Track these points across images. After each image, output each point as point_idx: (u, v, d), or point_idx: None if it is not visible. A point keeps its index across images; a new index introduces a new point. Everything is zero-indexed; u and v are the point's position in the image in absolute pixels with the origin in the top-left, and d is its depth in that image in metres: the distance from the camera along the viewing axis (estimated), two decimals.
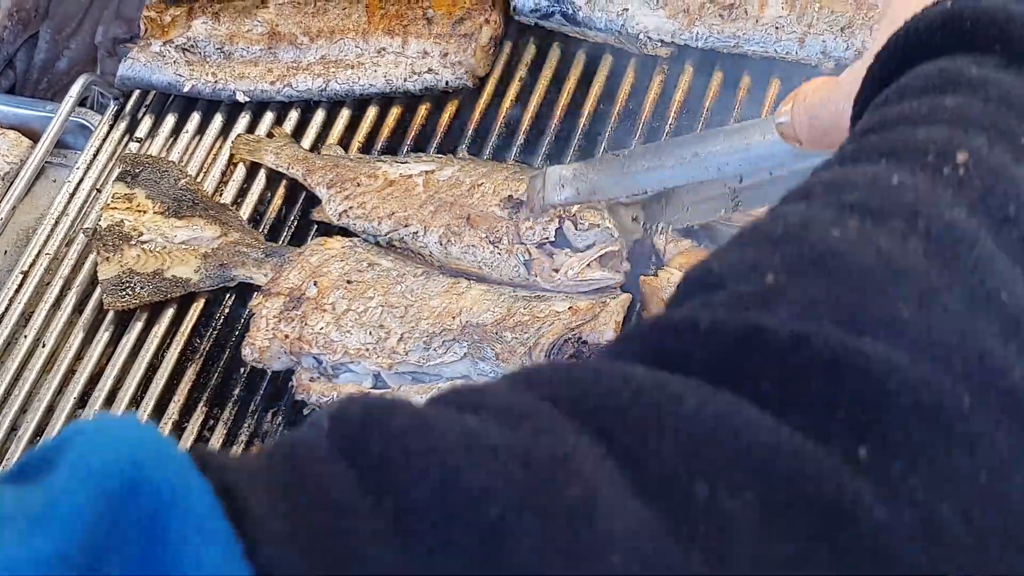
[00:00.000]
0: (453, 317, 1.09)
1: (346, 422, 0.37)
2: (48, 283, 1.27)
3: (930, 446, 0.36)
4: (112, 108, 1.38)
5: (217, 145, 1.33)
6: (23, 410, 1.19)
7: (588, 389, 0.38)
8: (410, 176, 1.19)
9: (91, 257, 1.26)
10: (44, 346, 1.23)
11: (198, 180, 1.29)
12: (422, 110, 1.29)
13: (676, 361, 0.38)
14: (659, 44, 1.23)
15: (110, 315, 1.22)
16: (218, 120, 1.34)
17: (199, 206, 1.26)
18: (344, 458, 0.35)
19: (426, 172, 1.19)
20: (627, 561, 0.33)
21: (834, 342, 0.37)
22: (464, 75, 1.27)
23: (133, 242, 1.23)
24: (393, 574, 0.33)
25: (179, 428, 1.16)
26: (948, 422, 0.36)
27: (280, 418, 1.15)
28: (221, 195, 1.28)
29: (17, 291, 1.26)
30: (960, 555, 0.35)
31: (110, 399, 1.18)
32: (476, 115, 1.27)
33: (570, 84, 1.27)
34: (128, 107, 1.37)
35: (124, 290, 1.21)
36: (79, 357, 1.22)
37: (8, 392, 1.20)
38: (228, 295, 1.22)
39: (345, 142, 1.29)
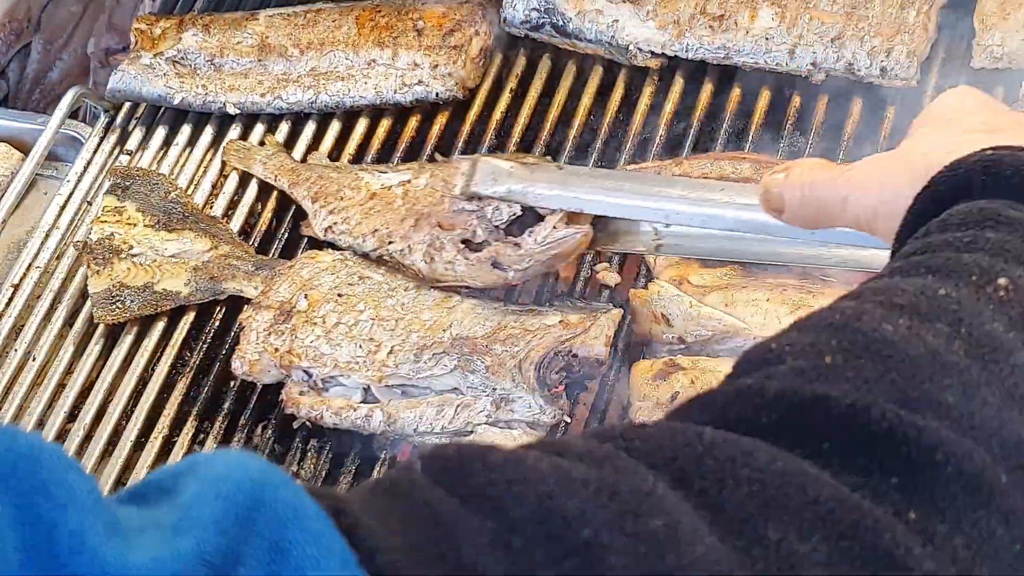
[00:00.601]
0: (443, 330, 1.09)
1: (442, 459, 0.42)
2: (38, 296, 1.27)
3: (972, 512, 0.42)
4: (103, 120, 1.38)
5: (207, 157, 1.32)
6: (13, 424, 1.19)
7: (663, 443, 0.43)
8: (390, 187, 1.19)
9: (81, 270, 1.26)
10: (34, 359, 1.23)
11: (188, 192, 1.29)
12: (412, 121, 1.29)
13: (743, 424, 0.44)
14: (649, 55, 1.23)
15: (100, 328, 1.22)
16: (208, 132, 1.34)
17: (189, 218, 1.26)
18: (442, 487, 0.40)
19: (404, 183, 1.18)
20: None
21: (890, 414, 0.43)
22: (454, 86, 1.27)
23: (123, 255, 1.23)
24: (499, 574, 0.38)
25: (169, 442, 1.16)
26: (988, 494, 0.42)
27: (270, 432, 1.15)
28: (211, 207, 1.28)
29: (7, 304, 1.26)
30: None
31: (100, 413, 1.18)
32: (466, 127, 1.27)
33: (560, 96, 1.27)
34: (119, 119, 1.37)
35: (114, 303, 1.21)
36: (69, 371, 1.22)
37: None
38: (218, 308, 1.21)
39: (335, 154, 1.29)
